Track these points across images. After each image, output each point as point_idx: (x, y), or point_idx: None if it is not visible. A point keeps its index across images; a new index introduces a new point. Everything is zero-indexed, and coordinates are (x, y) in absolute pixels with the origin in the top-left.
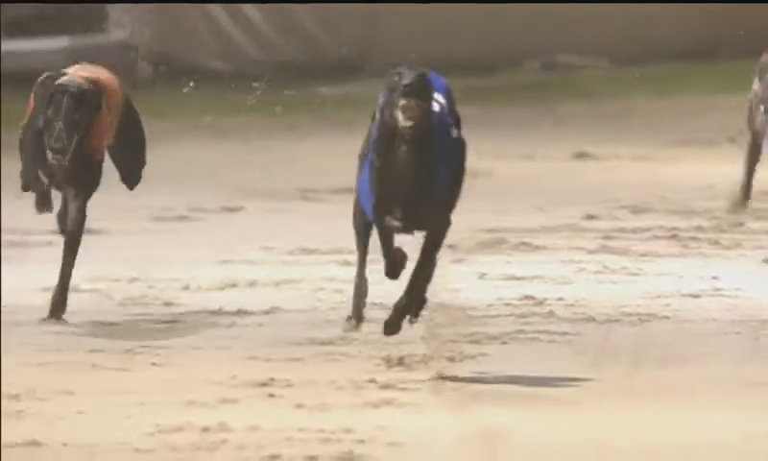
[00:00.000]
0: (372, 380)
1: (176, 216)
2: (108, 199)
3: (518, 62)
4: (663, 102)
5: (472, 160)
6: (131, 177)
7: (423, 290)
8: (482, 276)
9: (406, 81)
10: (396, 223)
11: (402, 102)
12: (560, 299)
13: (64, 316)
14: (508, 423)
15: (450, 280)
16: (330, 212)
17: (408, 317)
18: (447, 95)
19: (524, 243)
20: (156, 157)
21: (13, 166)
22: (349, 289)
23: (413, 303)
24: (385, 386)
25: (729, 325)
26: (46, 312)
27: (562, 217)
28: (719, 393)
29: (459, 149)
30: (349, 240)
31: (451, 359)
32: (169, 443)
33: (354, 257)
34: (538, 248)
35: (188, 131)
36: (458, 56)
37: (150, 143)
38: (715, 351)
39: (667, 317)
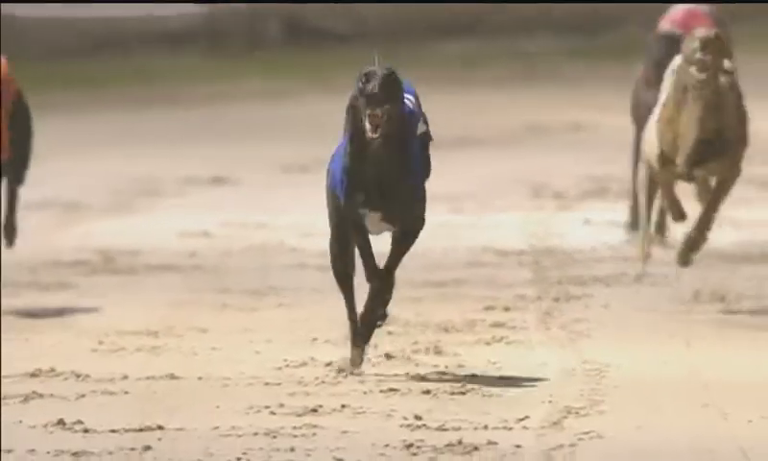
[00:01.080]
0: (483, 320)
1: (299, 167)
2: (237, 150)
3: (621, 23)
4: None
5: (577, 114)
6: (11, 171)
7: (390, 287)
8: (587, 221)
9: (372, 87)
10: (370, 211)
11: (368, 111)
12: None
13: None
14: (610, 358)
15: (557, 226)
16: (439, 160)
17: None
18: (414, 94)
19: (627, 191)
20: (283, 113)
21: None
22: (462, 234)
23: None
24: (496, 325)
25: None
26: (183, 256)
27: None
28: None
29: (426, 145)
30: (461, 187)
31: (557, 300)
32: (296, 377)
33: (467, 205)
34: None
35: (310, 87)
36: (565, 17)
37: (277, 99)
38: None
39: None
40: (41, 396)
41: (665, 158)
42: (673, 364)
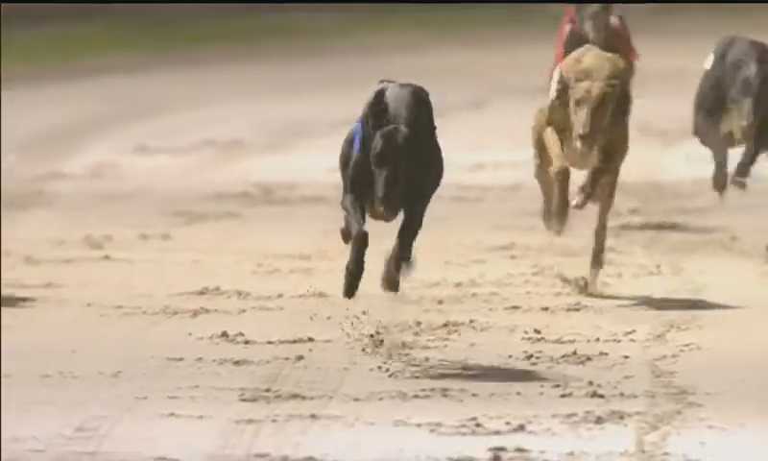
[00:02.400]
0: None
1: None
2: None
3: None
4: None
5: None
6: None
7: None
8: (687, 157)
9: (388, 106)
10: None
11: (385, 130)
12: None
13: None
14: (709, 279)
15: (660, 161)
16: None
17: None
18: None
19: None
20: (421, 63)
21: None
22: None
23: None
24: (608, 249)
25: None
26: (332, 189)
27: None
28: None
29: (438, 156)
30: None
31: (661, 227)
32: (430, 295)
33: None
34: None
35: (441, 40)
36: None
37: (413, 51)
38: None
39: None
40: (208, 311)
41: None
42: (766, 286)
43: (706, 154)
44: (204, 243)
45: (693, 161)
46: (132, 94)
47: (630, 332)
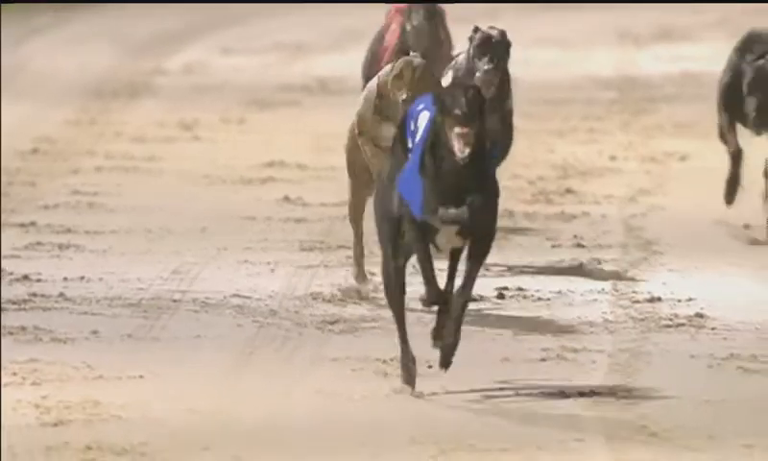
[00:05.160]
0: (580, 126)
1: None
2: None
3: None
4: None
5: None
6: None
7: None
8: (657, 57)
9: (460, 106)
10: (454, 214)
11: (458, 130)
12: None
13: None
14: (677, 150)
15: (634, 59)
16: (550, 10)
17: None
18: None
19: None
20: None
21: None
22: (565, 65)
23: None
24: (590, 130)
25: None
26: None
27: None
28: None
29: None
30: (564, 33)
31: (635, 112)
32: None
33: (570, 44)
34: None
35: None
36: None
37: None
38: None
39: None
40: (275, 180)
41: None
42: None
43: (673, 53)
44: (272, 125)
45: (662, 60)
46: (219, 6)
47: (608, 196)
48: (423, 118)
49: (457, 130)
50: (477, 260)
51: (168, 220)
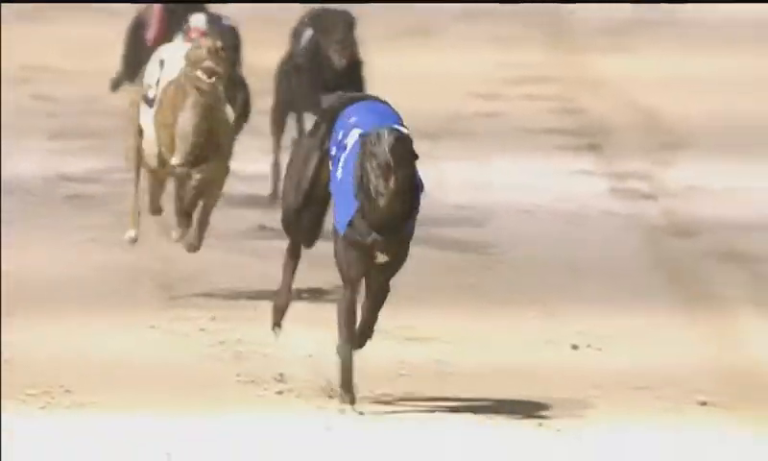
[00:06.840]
0: None
1: None
2: None
3: None
4: None
5: None
6: None
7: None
8: None
9: (385, 152)
10: (376, 238)
11: (386, 174)
12: None
13: None
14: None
15: None
16: None
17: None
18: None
19: None
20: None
21: None
22: None
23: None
24: None
25: None
26: None
27: None
28: None
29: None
30: None
31: None
32: None
33: None
34: None
35: None
36: None
37: None
38: None
39: None
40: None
41: (162, 159)
42: None
43: None
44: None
45: None
46: None
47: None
48: (352, 138)
49: (386, 174)
50: (385, 284)
51: None
